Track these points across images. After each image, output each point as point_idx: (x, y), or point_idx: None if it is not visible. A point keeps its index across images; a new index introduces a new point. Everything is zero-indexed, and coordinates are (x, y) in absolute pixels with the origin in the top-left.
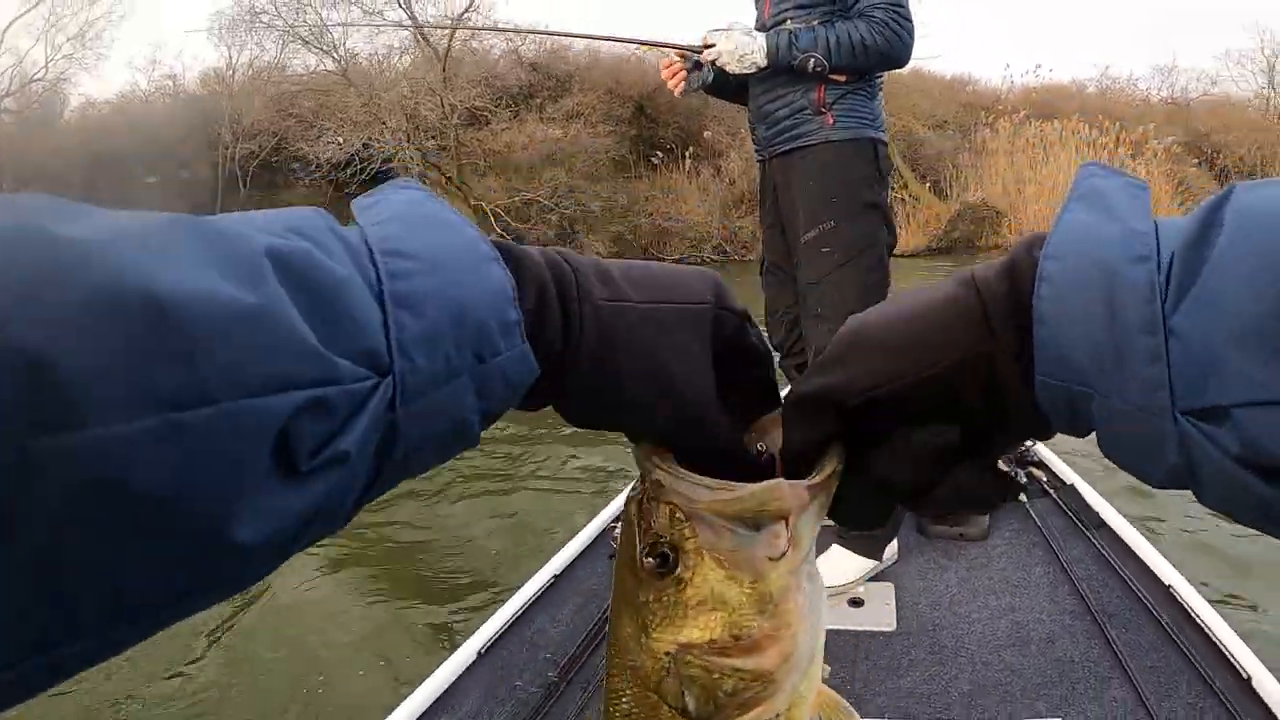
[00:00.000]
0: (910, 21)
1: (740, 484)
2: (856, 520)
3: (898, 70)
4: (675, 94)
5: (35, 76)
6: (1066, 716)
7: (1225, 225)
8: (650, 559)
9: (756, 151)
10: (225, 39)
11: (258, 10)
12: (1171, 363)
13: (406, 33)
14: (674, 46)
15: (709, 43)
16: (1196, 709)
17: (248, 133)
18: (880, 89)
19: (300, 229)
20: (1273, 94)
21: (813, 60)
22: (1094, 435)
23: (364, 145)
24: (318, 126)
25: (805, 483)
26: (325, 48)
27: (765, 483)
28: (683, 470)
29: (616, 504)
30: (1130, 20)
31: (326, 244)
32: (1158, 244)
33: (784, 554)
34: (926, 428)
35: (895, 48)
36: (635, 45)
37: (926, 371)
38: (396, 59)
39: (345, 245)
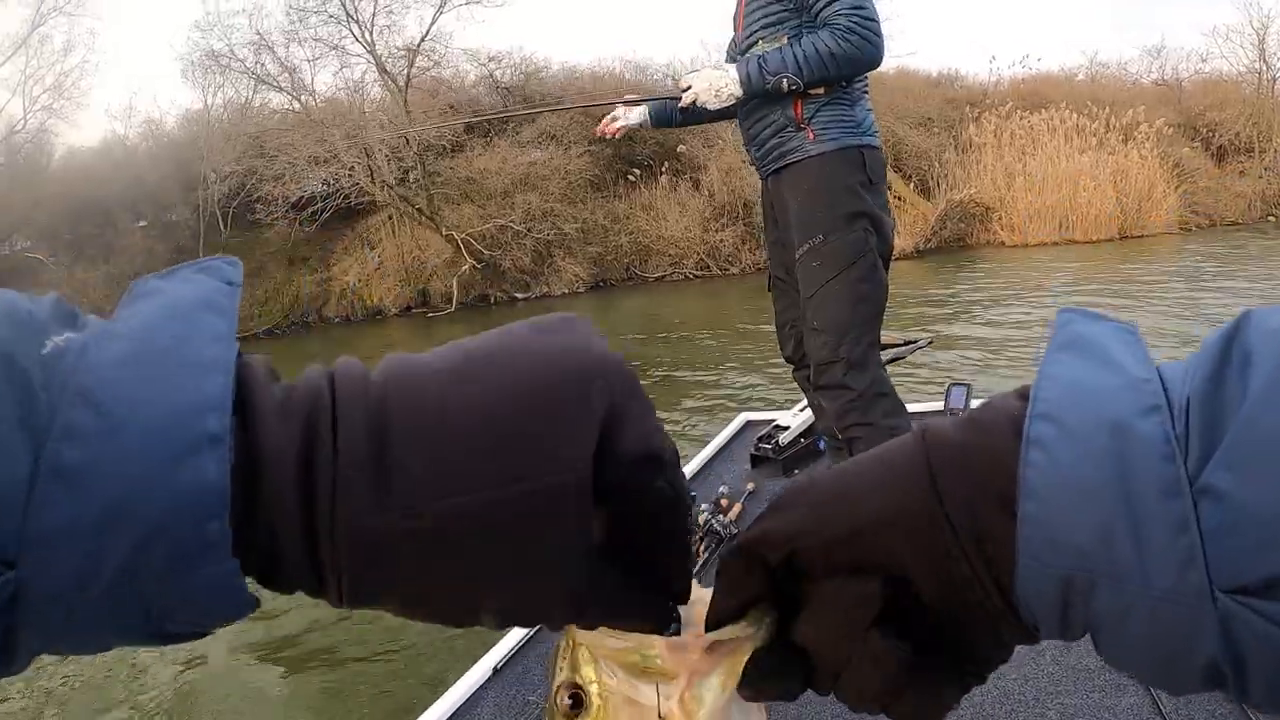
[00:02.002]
0: (875, 21)
1: (648, 636)
2: (763, 692)
3: (878, 71)
4: (614, 137)
5: (15, 129)
6: None
7: (1256, 356)
8: (563, 698)
9: (757, 171)
10: (199, 81)
11: (216, 53)
12: (1205, 532)
13: (371, 66)
14: (652, 98)
15: (684, 86)
16: (1215, 715)
17: (223, 174)
18: (863, 94)
19: None
20: (1264, 68)
21: (785, 80)
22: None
23: (324, 183)
24: (276, 166)
25: (697, 642)
26: (282, 86)
27: (644, 637)
28: None
29: None
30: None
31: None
32: (1165, 392)
33: (672, 713)
34: (845, 587)
35: (864, 50)
36: (612, 103)
37: (843, 528)
38: (366, 93)
39: (14, 390)
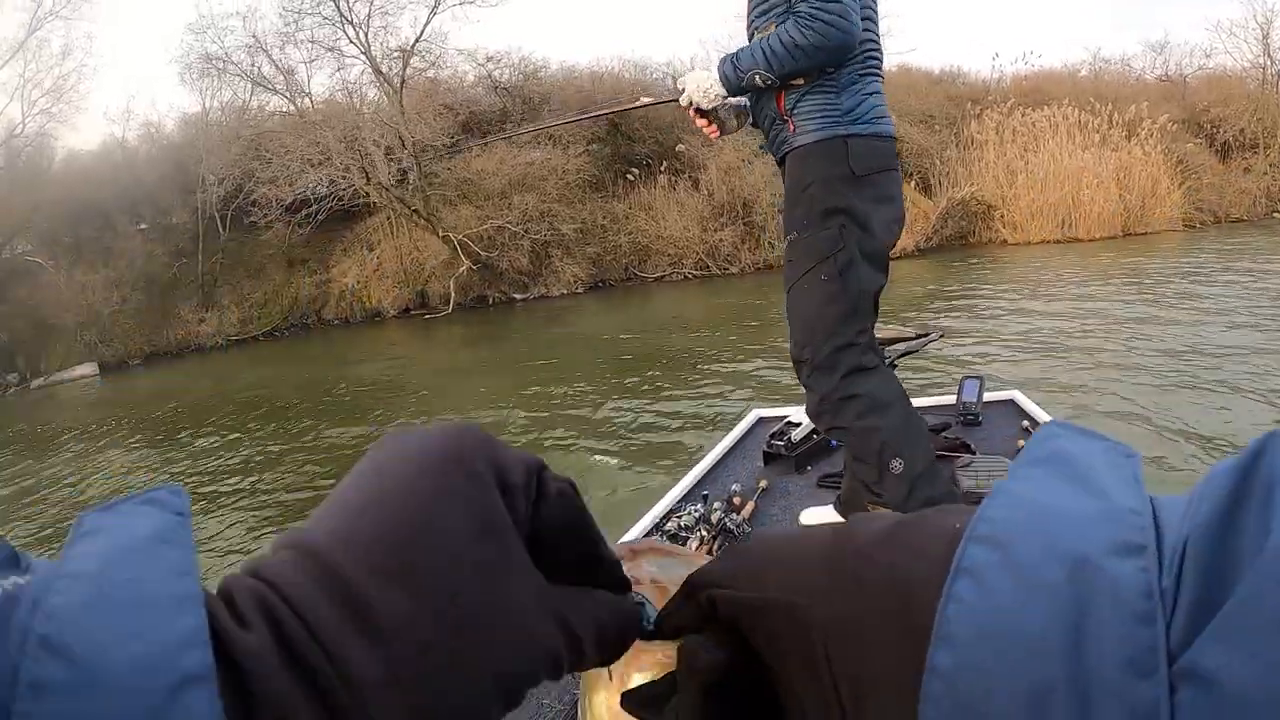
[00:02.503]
0: (840, 5)
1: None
2: (629, 700)
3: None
4: (716, 140)
5: (15, 133)
6: None
7: None
8: None
9: None
10: (196, 84)
11: (211, 56)
12: None
13: (366, 68)
14: (654, 103)
15: (679, 88)
16: None
17: (221, 177)
18: (859, 78)
19: None
20: (1269, 63)
21: (757, 76)
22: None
23: (317, 186)
24: (271, 169)
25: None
26: (277, 88)
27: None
28: None
29: (650, 517)
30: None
31: None
32: (1157, 530)
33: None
34: (703, 645)
35: (830, 36)
36: (615, 110)
37: (745, 598)
38: (363, 95)
39: None
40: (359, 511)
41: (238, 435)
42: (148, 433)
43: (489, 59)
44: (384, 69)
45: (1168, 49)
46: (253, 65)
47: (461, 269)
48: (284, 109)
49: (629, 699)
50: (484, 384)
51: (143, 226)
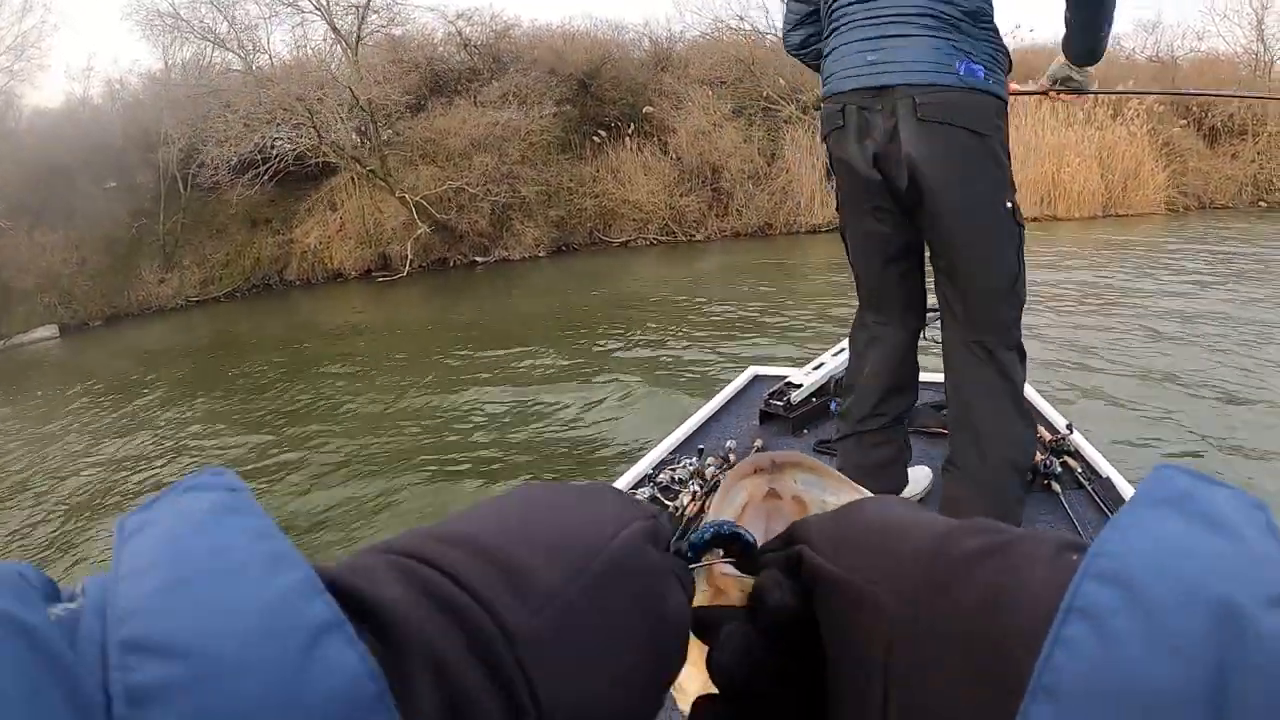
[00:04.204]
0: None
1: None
2: (700, 622)
3: None
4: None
5: None
6: None
7: None
8: None
9: None
10: (157, 41)
11: (161, 11)
12: None
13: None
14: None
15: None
16: None
17: (178, 136)
18: (829, 46)
19: None
20: (1262, 49)
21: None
22: (1125, 414)
23: (262, 145)
24: (220, 127)
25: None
26: (228, 45)
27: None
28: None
29: (643, 464)
30: None
31: (9, 670)
32: None
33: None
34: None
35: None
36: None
37: (827, 563)
38: (321, 52)
39: (43, 663)
40: (545, 525)
41: (192, 395)
42: (104, 393)
43: (459, 15)
44: (340, 26)
45: (1159, 29)
46: (203, 21)
47: (420, 231)
48: (239, 67)
49: (696, 615)
50: (435, 348)
51: (112, 184)
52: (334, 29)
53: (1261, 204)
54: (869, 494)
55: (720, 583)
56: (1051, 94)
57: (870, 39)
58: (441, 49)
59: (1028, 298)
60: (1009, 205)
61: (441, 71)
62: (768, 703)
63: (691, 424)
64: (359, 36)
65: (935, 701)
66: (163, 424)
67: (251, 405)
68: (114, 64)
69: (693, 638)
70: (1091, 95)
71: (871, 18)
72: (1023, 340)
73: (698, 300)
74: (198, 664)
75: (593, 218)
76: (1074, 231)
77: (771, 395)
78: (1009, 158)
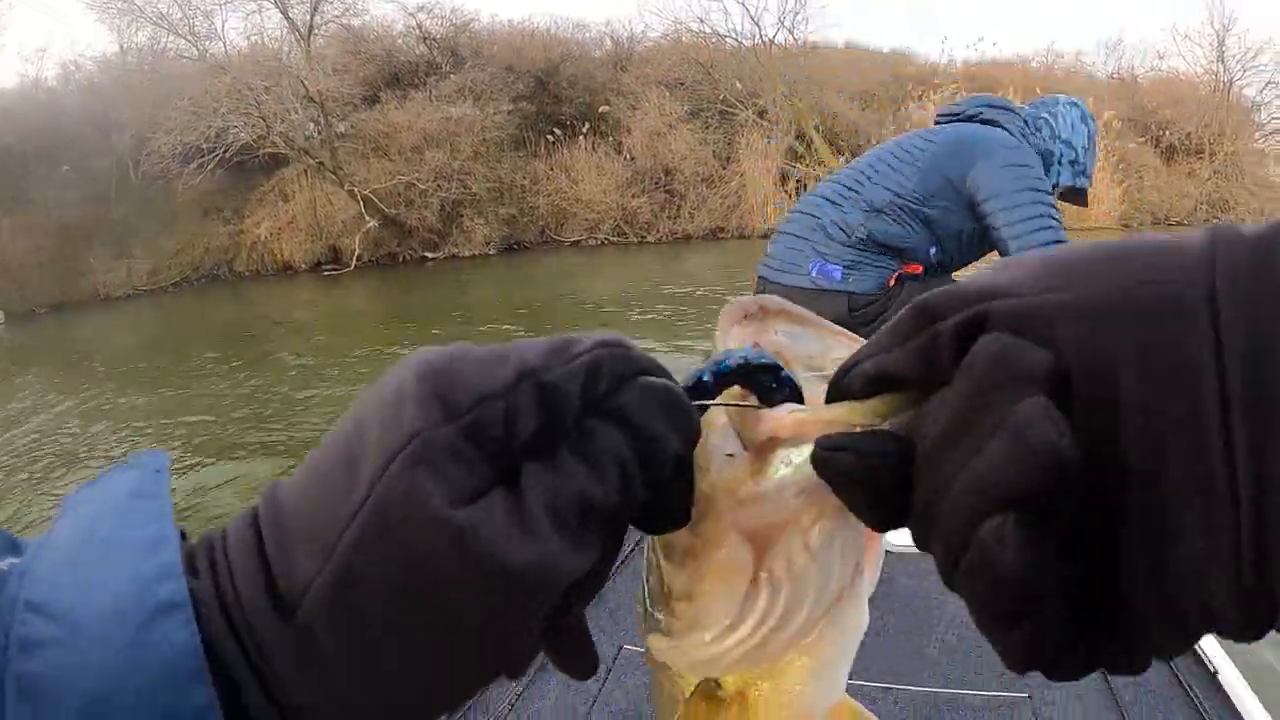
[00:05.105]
0: None
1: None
2: (835, 468)
3: (825, 45)
4: None
5: None
6: (1030, 692)
7: None
8: None
9: None
10: (113, 24)
11: None
12: None
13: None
14: None
15: None
16: (1162, 698)
17: (130, 121)
18: None
19: None
20: (1222, 69)
21: None
22: None
23: (207, 135)
24: (167, 116)
25: (792, 412)
26: (179, 31)
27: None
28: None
29: None
30: None
31: None
32: None
33: (720, 482)
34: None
35: None
36: None
37: (1055, 297)
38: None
39: None
40: (309, 469)
41: (130, 383)
42: (45, 379)
43: (420, 8)
44: (293, 15)
45: (1121, 47)
46: (156, 5)
47: (369, 225)
48: (190, 54)
49: (840, 443)
50: (376, 344)
51: (67, 169)
52: (286, 17)
53: (1216, 221)
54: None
55: (766, 442)
56: None
57: (778, 230)
58: (400, 41)
59: None
60: None
61: (399, 64)
62: (1104, 497)
63: None
64: (312, 27)
65: None
66: (101, 412)
67: (194, 396)
68: (70, 46)
69: (708, 541)
70: None
71: (792, 211)
72: None
73: (646, 296)
74: (66, 628)
75: (545, 216)
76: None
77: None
78: None
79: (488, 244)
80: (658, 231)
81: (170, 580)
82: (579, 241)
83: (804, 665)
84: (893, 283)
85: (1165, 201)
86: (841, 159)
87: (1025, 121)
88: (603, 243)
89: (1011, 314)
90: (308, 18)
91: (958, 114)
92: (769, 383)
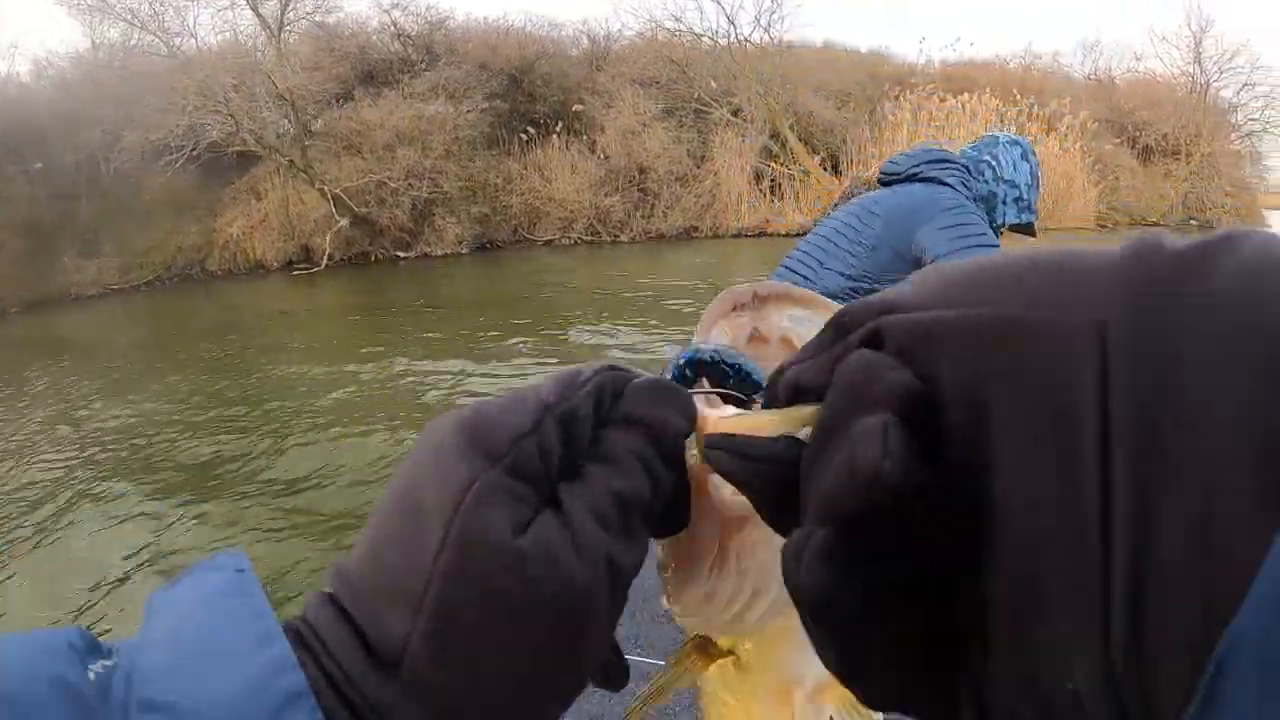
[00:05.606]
0: None
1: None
2: (726, 463)
3: (802, 44)
4: None
5: None
6: None
7: None
8: None
9: None
10: (85, 20)
11: None
12: None
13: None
14: None
15: None
16: None
17: (101, 118)
18: None
19: (14, 698)
20: (1199, 71)
21: None
22: None
23: (179, 131)
24: (135, 112)
25: (715, 413)
26: (149, 28)
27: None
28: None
29: None
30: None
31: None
32: None
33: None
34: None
35: None
36: None
37: (931, 316)
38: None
39: (73, 700)
40: (370, 540)
41: (96, 384)
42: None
43: (394, 5)
44: (264, 12)
45: (1099, 48)
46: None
47: (340, 223)
48: (159, 51)
49: (736, 448)
50: (350, 343)
51: (38, 166)
52: (256, 13)
53: (1193, 222)
54: None
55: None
56: None
57: None
58: (375, 38)
59: None
60: None
61: (373, 61)
62: (926, 526)
63: None
64: (282, 23)
65: (1200, 421)
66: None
67: (172, 398)
68: (42, 42)
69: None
70: None
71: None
72: None
73: (623, 296)
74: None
75: (518, 215)
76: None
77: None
78: None
79: (460, 243)
80: (631, 231)
81: (289, 672)
82: (552, 241)
83: (789, 633)
84: None
85: (1142, 202)
86: (816, 158)
87: (967, 168)
88: (576, 242)
89: (901, 330)
90: (279, 14)
91: (899, 173)
92: (727, 377)
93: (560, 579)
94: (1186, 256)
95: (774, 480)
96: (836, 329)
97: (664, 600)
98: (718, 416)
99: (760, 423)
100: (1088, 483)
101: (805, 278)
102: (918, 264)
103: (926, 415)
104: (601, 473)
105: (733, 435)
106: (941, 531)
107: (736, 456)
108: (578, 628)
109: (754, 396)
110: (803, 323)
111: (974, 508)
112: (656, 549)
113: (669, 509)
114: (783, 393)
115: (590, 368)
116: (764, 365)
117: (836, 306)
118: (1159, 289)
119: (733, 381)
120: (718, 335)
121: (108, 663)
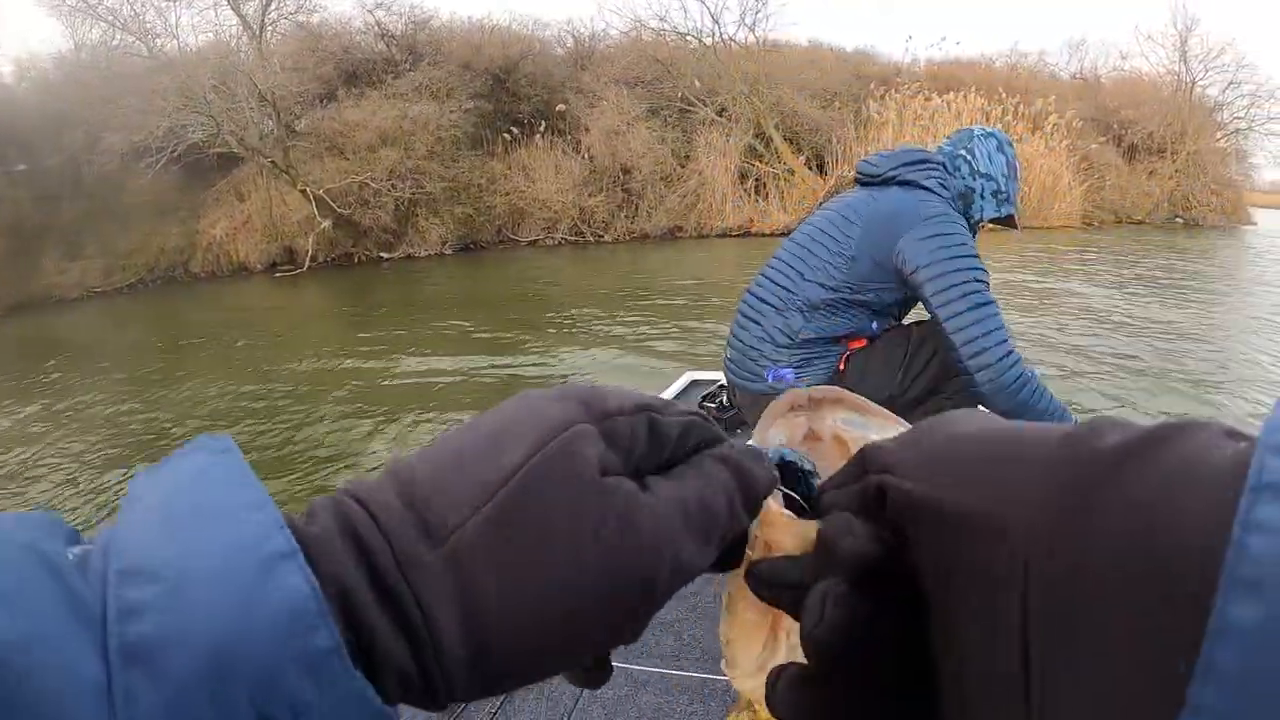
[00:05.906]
0: None
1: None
2: (757, 580)
3: (786, 43)
4: None
5: None
6: None
7: None
8: None
9: None
10: (65, 20)
11: None
12: None
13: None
14: None
15: None
16: None
17: (83, 119)
18: None
19: None
20: (1184, 70)
21: None
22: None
23: (158, 132)
24: (115, 114)
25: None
26: (130, 29)
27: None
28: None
29: None
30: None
31: (29, 585)
32: None
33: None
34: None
35: None
36: None
37: (922, 490)
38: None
39: (57, 581)
40: (442, 450)
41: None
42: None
43: (378, 5)
44: (245, 12)
45: (1085, 47)
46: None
47: (323, 225)
48: (140, 52)
49: (755, 574)
50: (334, 344)
51: (21, 168)
52: (238, 13)
53: (1178, 220)
54: None
55: (770, 533)
56: None
57: (731, 333)
58: (359, 38)
59: None
60: None
61: (357, 62)
62: (869, 671)
63: None
64: (264, 23)
65: (1096, 620)
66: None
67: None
68: (23, 42)
69: (737, 597)
70: None
71: (740, 313)
72: None
73: (607, 296)
74: (176, 581)
75: (501, 216)
76: (987, 240)
77: (705, 398)
78: None
79: (443, 244)
80: (615, 231)
81: (277, 533)
82: (536, 241)
83: None
84: (843, 366)
85: (1128, 200)
86: (801, 157)
87: (944, 165)
88: (560, 242)
89: (896, 494)
90: (261, 14)
91: (877, 175)
92: (797, 479)
93: (632, 530)
94: (1113, 459)
95: (788, 602)
96: (859, 464)
97: (722, 664)
98: (776, 509)
99: (802, 534)
100: (1012, 658)
101: (787, 289)
102: (898, 274)
103: (889, 569)
104: (694, 478)
105: (760, 561)
106: (900, 671)
107: (760, 582)
108: (632, 586)
109: (795, 494)
110: (854, 425)
111: (930, 652)
112: (721, 625)
113: (731, 549)
114: (822, 509)
115: (681, 407)
116: (822, 463)
117: (881, 411)
118: (1080, 494)
119: (801, 485)
120: (775, 434)
121: (87, 545)
